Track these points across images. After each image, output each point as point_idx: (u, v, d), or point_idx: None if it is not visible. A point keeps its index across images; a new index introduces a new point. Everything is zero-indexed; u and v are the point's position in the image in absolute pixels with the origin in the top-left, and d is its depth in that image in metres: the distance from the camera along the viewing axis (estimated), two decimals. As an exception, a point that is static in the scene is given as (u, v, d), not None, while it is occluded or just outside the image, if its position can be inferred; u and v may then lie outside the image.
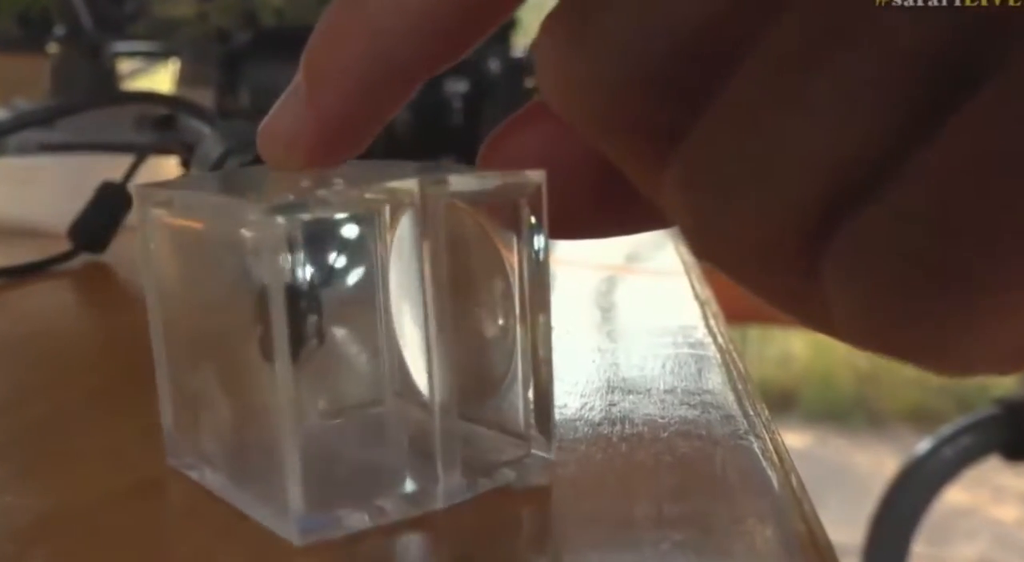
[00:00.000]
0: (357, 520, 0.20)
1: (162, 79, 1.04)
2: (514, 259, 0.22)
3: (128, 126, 0.72)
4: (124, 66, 0.88)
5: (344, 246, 0.23)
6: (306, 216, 0.19)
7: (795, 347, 2.82)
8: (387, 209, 0.22)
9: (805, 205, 0.15)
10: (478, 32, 0.21)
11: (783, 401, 2.60)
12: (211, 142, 0.52)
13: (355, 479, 0.22)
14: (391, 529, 0.20)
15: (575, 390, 0.28)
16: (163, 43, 0.91)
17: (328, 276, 0.22)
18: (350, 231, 0.23)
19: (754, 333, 2.57)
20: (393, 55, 0.20)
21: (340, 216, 0.22)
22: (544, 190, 0.23)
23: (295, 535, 0.19)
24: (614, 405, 0.27)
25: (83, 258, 0.48)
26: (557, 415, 0.26)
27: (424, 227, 0.20)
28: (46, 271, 0.46)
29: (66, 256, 0.47)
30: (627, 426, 0.26)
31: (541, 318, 0.23)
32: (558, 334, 0.35)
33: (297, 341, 0.20)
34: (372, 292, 0.23)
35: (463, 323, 0.22)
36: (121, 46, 0.85)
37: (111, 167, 0.53)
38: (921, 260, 0.15)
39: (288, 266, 0.19)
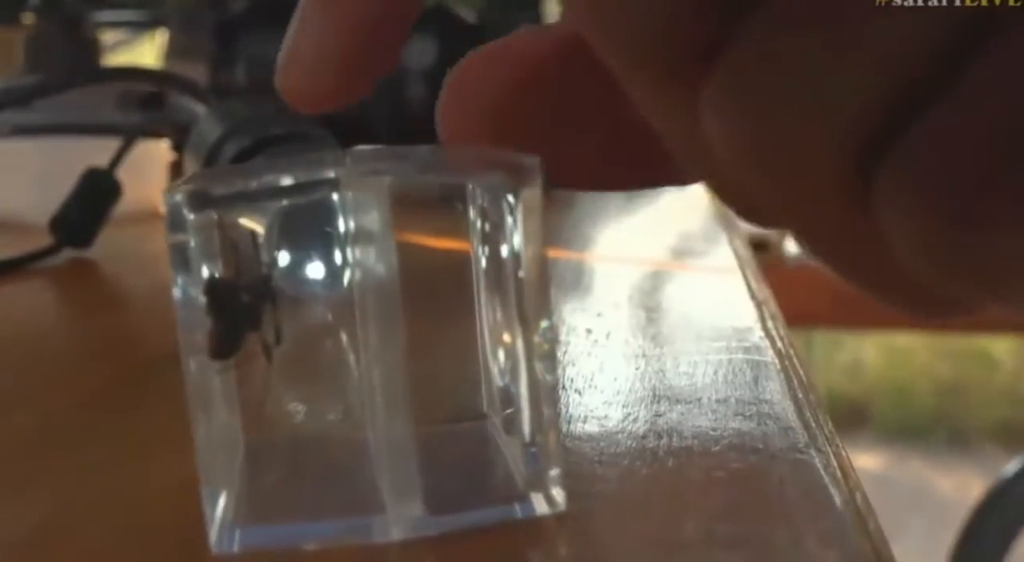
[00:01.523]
0: (287, 538, 0.21)
1: (148, 52, 1.06)
2: (504, 257, 0.22)
3: (111, 105, 0.73)
4: (106, 38, 0.89)
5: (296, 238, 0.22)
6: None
7: (867, 355, 2.81)
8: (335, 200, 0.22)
9: (862, 112, 0.16)
10: None
11: (853, 416, 2.59)
12: (207, 124, 0.53)
13: (300, 496, 0.22)
14: (407, 545, 0.21)
15: (616, 400, 0.29)
16: (149, 12, 0.92)
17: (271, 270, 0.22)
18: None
19: (821, 338, 2.56)
20: None
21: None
22: (539, 179, 0.23)
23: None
24: (660, 416, 0.28)
25: (66, 254, 0.49)
26: (596, 427, 0.27)
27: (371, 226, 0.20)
28: (25, 268, 0.47)
29: (47, 252, 0.48)
30: (675, 439, 0.26)
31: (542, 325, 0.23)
32: (596, 338, 0.36)
33: (229, 340, 0.21)
34: (334, 294, 0.23)
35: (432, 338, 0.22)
36: (103, 16, 0.86)
37: (95, 151, 0.54)
38: (993, 149, 0.15)
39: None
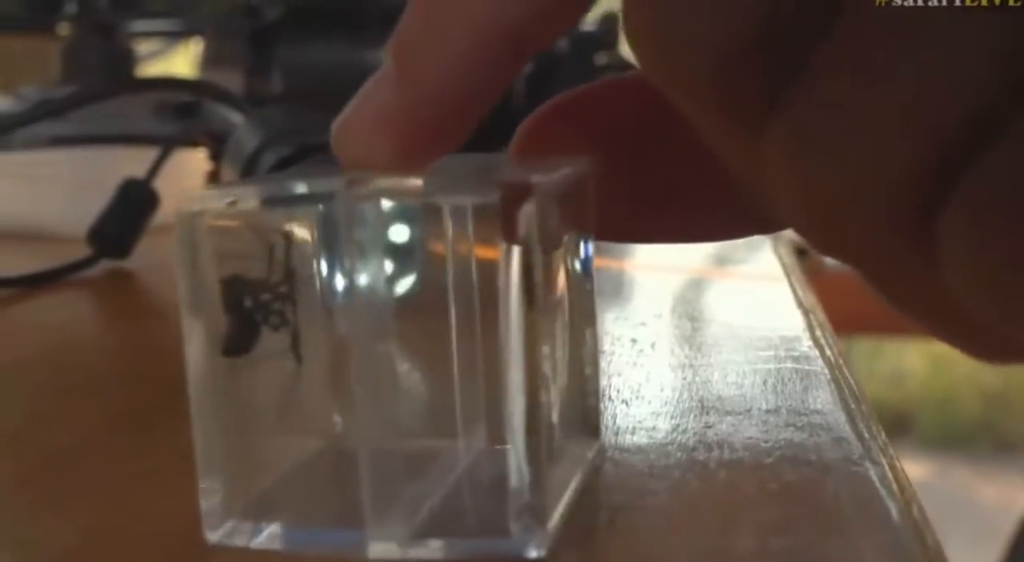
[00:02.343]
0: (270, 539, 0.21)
1: (182, 61, 1.06)
2: (558, 266, 0.22)
3: (147, 115, 0.73)
4: (141, 47, 0.90)
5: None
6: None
7: (910, 363, 2.79)
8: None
9: (923, 156, 0.16)
10: None
11: (896, 424, 2.58)
12: (244, 133, 0.54)
13: (295, 500, 0.23)
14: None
15: (664, 411, 0.29)
16: (184, 21, 0.93)
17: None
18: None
19: (862, 346, 2.55)
20: (498, 17, 0.20)
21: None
22: (592, 183, 0.23)
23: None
24: (710, 427, 0.28)
25: (104, 265, 0.49)
26: (645, 438, 0.27)
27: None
28: (64, 280, 0.48)
29: (86, 263, 0.49)
30: (726, 451, 0.26)
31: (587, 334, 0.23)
32: (641, 347, 0.35)
33: (242, 338, 0.21)
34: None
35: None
36: (138, 25, 0.86)
37: (131, 161, 0.54)
38: None
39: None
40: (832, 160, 0.17)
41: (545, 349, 0.21)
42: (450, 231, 0.22)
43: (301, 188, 0.21)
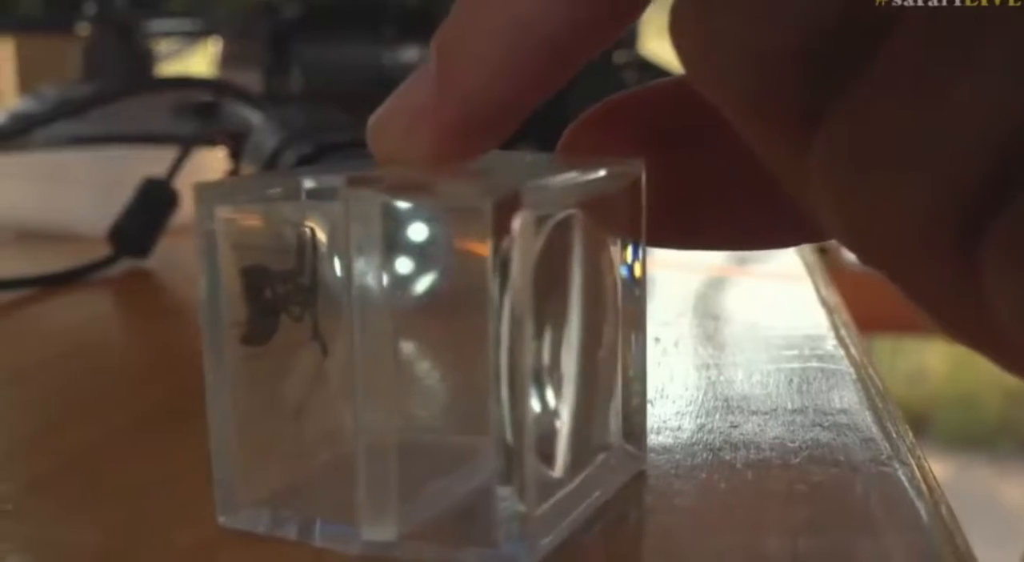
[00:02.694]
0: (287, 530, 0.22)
1: (200, 60, 1.06)
2: (609, 265, 0.22)
3: (166, 114, 0.73)
4: (160, 47, 0.90)
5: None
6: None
7: (931, 361, 2.78)
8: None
9: (971, 175, 0.16)
10: (636, 2, 0.21)
11: (916, 423, 2.57)
12: (264, 132, 0.54)
13: (300, 489, 0.23)
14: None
15: (689, 411, 0.29)
16: (202, 20, 0.93)
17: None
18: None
19: (882, 345, 2.54)
20: (543, 23, 0.20)
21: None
22: (643, 184, 0.24)
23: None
24: (736, 427, 0.27)
25: (124, 264, 0.49)
26: (671, 439, 0.27)
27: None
28: (84, 279, 0.48)
29: (106, 262, 0.49)
30: (752, 451, 0.26)
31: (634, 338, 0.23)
32: (665, 347, 0.35)
33: (261, 328, 0.22)
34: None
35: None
36: (157, 25, 0.86)
37: (151, 161, 0.54)
38: None
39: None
40: (872, 179, 0.17)
41: (544, 357, 0.21)
42: (449, 233, 0.21)
43: (310, 183, 0.21)
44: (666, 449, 0.26)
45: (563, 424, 0.22)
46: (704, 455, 0.26)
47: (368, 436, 0.21)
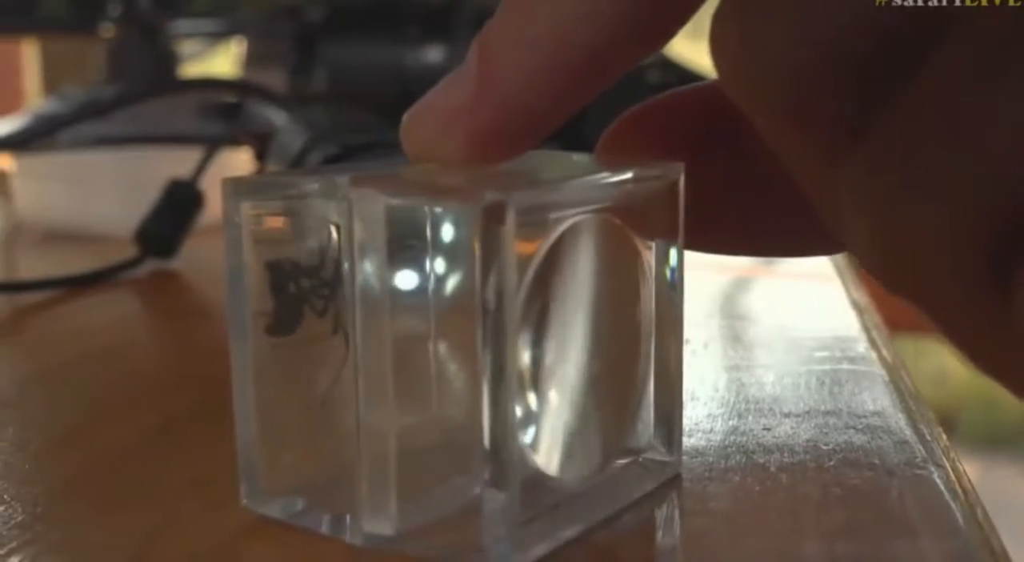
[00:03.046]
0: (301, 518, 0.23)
1: (223, 61, 1.07)
2: (644, 268, 0.22)
3: (191, 115, 0.73)
4: (184, 47, 0.90)
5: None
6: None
7: (953, 362, 2.77)
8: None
9: (1006, 205, 0.16)
10: (680, 14, 0.21)
11: (941, 425, 2.55)
12: (289, 133, 0.54)
13: (313, 477, 0.23)
14: None
15: (721, 413, 0.28)
16: (226, 21, 0.93)
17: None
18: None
19: (904, 345, 2.53)
20: (583, 33, 0.21)
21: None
22: (682, 188, 0.23)
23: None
24: (769, 429, 0.27)
25: (150, 265, 0.49)
26: (703, 441, 0.26)
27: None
28: (111, 280, 0.48)
29: (132, 263, 0.49)
30: (786, 454, 0.26)
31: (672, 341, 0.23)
32: (694, 348, 0.35)
33: (285, 319, 0.22)
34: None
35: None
36: (181, 26, 0.87)
37: (176, 162, 0.54)
38: None
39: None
40: (904, 200, 0.16)
41: (550, 359, 0.21)
42: (442, 235, 0.21)
43: (331, 181, 0.21)
44: (699, 452, 0.26)
45: (573, 428, 0.22)
46: (737, 457, 0.26)
47: (369, 433, 0.21)
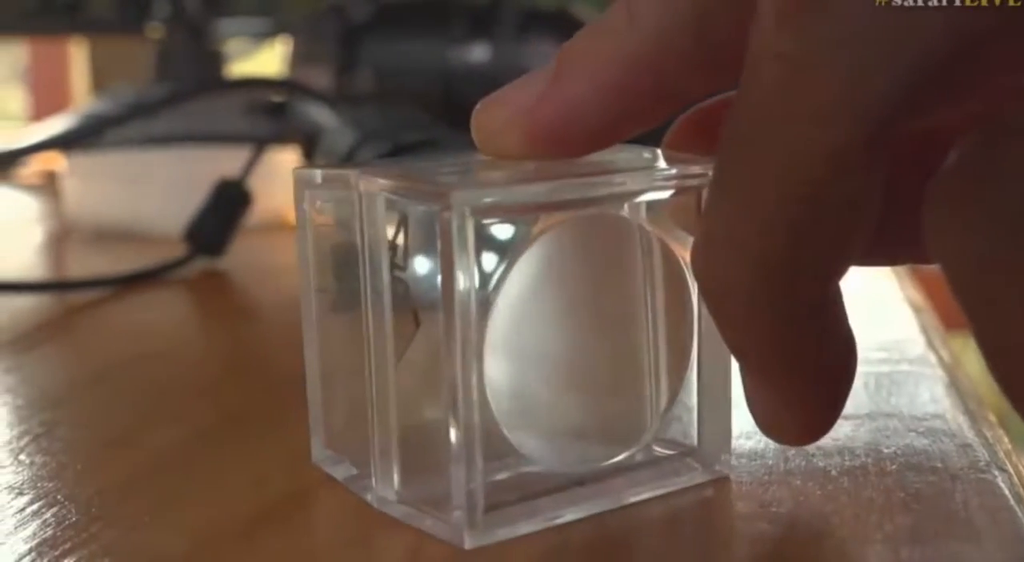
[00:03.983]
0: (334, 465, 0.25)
1: (269, 60, 1.07)
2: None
3: (238, 114, 0.73)
4: (230, 47, 0.91)
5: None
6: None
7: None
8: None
9: None
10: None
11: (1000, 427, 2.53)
12: (337, 132, 0.54)
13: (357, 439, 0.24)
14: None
15: (778, 414, 0.28)
16: (272, 20, 0.93)
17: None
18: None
19: (962, 346, 2.51)
20: (652, 63, 0.21)
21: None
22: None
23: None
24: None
25: (199, 264, 0.49)
26: (761, 444, 0.26)
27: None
28: (159, 279, 0.48)
29: (182, 262, 0.49)
30: (847, 457, 0.25)
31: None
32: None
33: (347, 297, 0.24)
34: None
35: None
36: (227, 25, 0.87)
37: (224, 161, 0.54)
38: None
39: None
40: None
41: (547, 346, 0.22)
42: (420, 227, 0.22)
43: (389, 174, 0.22)
44: (757, 454, 0.26)
45: (561, 415, 0.23)
46: (797, 461, 0.25)
47: (381, 406, 0.23)
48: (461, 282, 0.21)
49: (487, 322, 0.21)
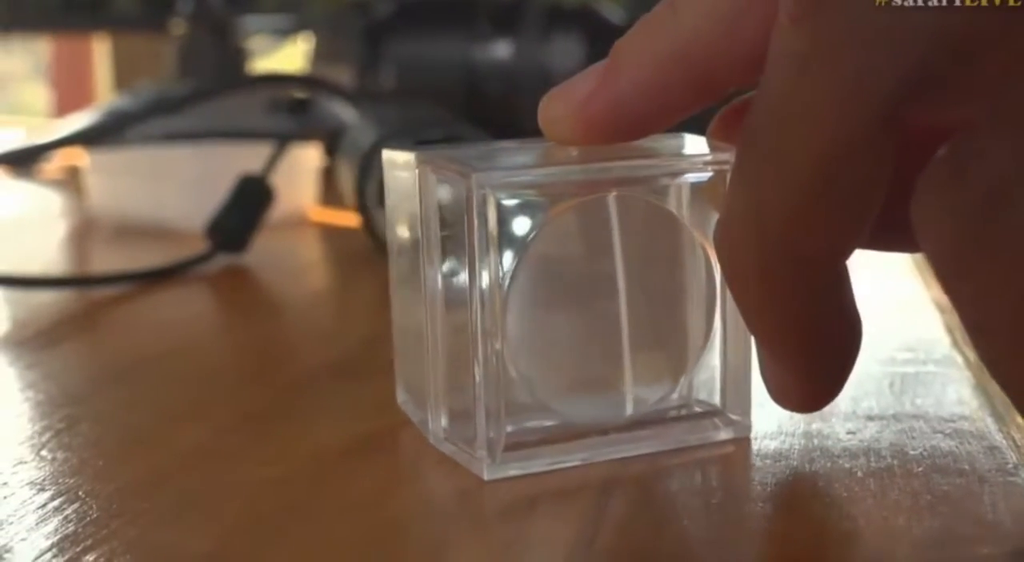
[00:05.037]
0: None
1: (292, 57, 1.07)
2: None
3: (260, 111, 0.74)
4: (253, 44, 0.91)
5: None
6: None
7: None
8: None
9: None
10: None
11: None
12: (360, 129, 0.53)
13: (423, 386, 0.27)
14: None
15: (802, 415, 0.28)
16: (295, 17, 0.93)
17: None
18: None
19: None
20: (697, 55, 0.23)
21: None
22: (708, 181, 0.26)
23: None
24: (853, 433, 0.26)
25: (221, 260, 0.49)
26: (786, 444, 0.26)
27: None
28: (182, 275, 0.48)
29: (204, 258, 0.49)
30: (872, 459, 0.25)
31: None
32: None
33: None
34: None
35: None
36: (250, 22, 0.87)
37: (246, 157, 0.54)
38: None
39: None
40: None
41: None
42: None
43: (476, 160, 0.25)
44: (782, 455, 0.25)
45: (596, 369, 0.26)
46: (822, 462, 0.25)
47: (434, 360, 0.26)
48: (483, 248, 0.24)
49: (511, 282, 0.24)
